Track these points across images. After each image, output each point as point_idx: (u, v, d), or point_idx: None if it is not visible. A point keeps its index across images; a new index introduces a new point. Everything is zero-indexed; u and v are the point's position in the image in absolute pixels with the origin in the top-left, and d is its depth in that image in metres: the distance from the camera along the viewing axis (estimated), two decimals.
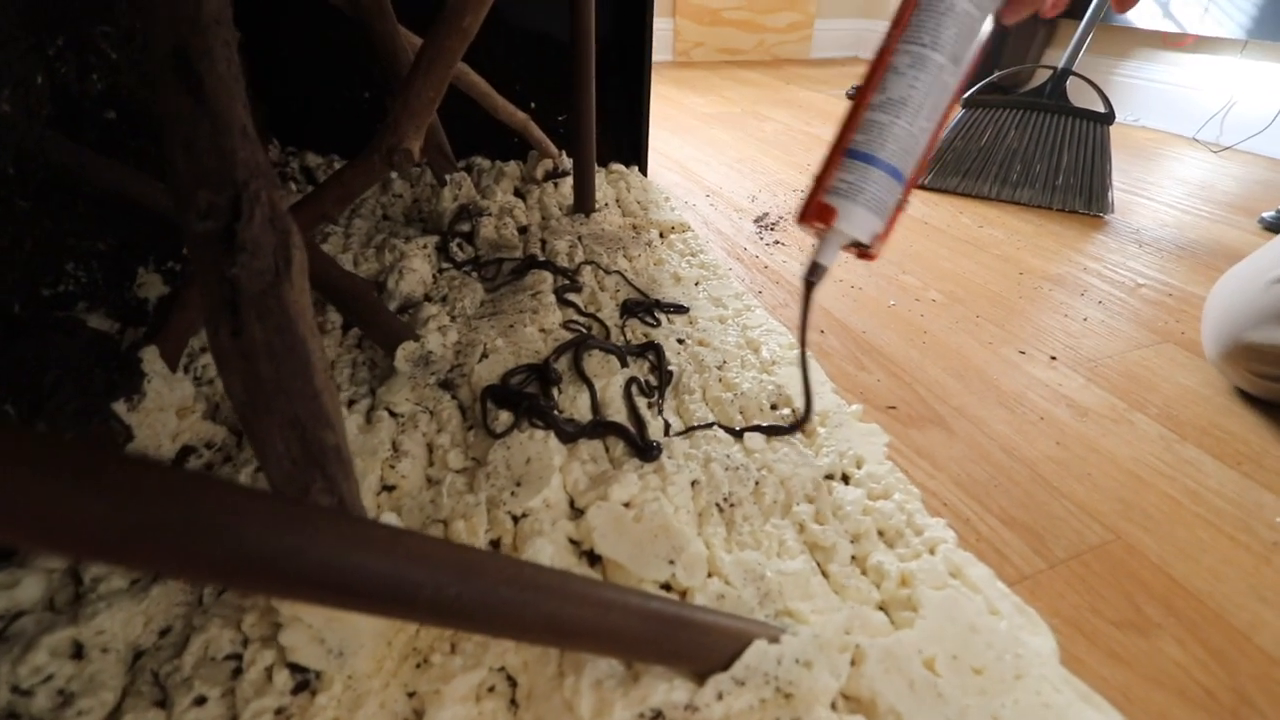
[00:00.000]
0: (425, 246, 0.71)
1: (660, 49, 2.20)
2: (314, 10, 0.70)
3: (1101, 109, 0.98)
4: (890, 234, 0.36)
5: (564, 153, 0.94)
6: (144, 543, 0.18)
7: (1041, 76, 1.03)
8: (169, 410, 0.44)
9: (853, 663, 0.32)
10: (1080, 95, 1.00)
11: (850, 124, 0.35)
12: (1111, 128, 0.99)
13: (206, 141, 0.28)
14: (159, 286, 0.56)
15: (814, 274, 0.37)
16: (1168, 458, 0.52)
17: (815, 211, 0.35)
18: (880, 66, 0.34)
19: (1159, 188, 1.15)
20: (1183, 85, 1.49)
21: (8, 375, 0.37)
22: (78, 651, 0.32)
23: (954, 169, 1.07)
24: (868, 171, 0.34)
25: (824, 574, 0.38)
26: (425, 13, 0.46)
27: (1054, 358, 0.65)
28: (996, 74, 1.10)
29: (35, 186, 0.43)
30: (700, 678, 0.30)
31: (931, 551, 0.39)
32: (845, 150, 0.34)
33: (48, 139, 0.43)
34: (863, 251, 0.37)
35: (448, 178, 0.81)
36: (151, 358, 0.44)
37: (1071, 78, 1.00)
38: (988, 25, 0.34)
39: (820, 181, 0.36)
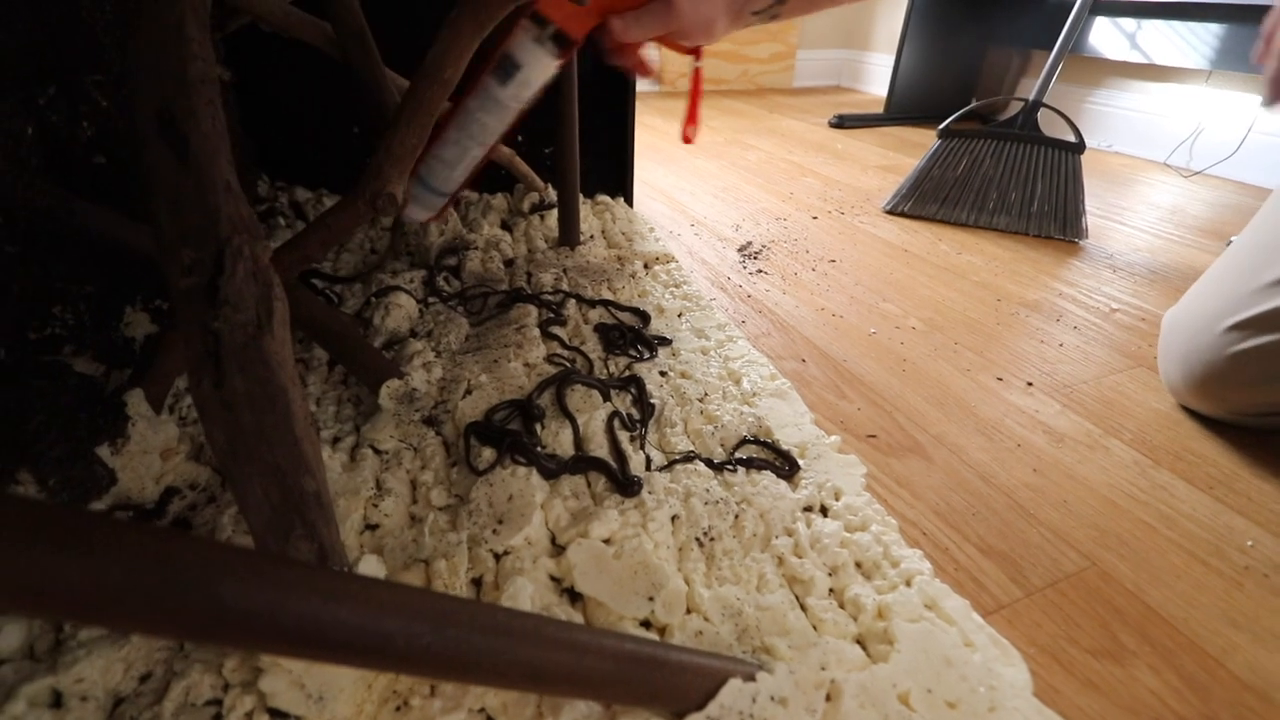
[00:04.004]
0: (412, 281, 0.72)
1: (646, 80, 2.24)
2: (304, 50, 0.72)
3: (1072, 139, 1.01)
4: (440, 216, 0.54)
5: (550, 185, 0.96)
6: (124, 605, 0.18)
7: (1016, 107, 1.06)
8: (153, 453, 0.44)
9: (828, 698, 0.32)
10: (1054, 125, 1.03)
11: (421, 158, 0.51)
12: (1086, 153, 1.02)
13: (191, 199, 0.29)
14: (146, 325, 0.57)
15: (399, 211, 0.53)
16: (1142, 483, 0.53)
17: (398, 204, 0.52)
18: (439, 135, 0.49)
19: (1132, 212, 1.18)
20: (1153, 113, 1.53)
21: None
22: (56, 700, 0.32)
23: (932, 196, 1.09)
24: (423, 190, 0.51)
25: (802, 607, 0.39)
26: (413, 55, 0.49)
27: (1031, 384, 0.66)
28: (974, 103, 1.13)
29: (22, 232, 0.43)
30: (677, 717, 0.30)
31: (908, 583, 0.40)
32: (416, 174, 0.51)
33: (35, 185, 0.44)
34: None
35: None
36: (136, 400, 0.44)
37: (1045, 108, 1.03)
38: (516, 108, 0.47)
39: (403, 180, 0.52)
